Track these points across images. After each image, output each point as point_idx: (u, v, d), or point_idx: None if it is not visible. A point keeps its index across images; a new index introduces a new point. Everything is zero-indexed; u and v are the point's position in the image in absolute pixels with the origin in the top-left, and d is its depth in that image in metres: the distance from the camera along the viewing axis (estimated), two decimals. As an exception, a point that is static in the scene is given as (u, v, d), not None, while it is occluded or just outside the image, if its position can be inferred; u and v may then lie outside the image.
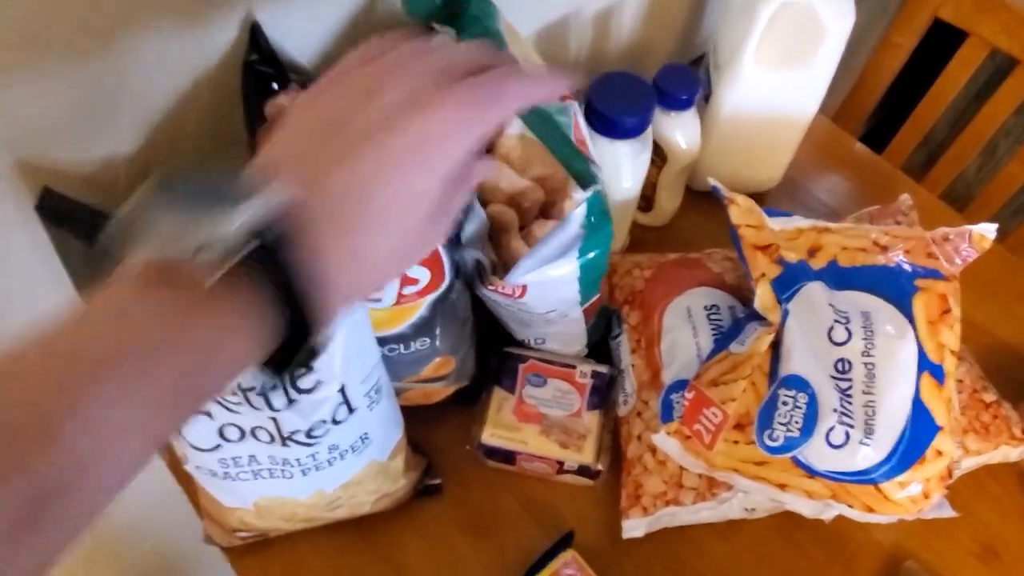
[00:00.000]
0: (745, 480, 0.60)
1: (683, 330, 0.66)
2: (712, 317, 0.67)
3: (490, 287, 0.58)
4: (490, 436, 0.63)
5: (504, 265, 0.55)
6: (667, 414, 0.63)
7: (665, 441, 0.61)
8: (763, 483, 0.60)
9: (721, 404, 0.59)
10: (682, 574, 0.64)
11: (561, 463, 0.63)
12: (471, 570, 0.63)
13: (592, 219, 0.51)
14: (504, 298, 0.59)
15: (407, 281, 0.52)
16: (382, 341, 0.56)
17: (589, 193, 0.49)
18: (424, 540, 0.64)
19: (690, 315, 0.67)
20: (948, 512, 0.62)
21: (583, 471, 0.64)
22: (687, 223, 0.84)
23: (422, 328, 0.57)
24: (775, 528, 0.66)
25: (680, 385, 0.63)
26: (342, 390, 0.49)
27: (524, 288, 0.58)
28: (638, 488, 0.63)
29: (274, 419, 0.48)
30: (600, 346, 0.71)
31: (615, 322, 0.71)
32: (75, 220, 0.41)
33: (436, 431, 0.69)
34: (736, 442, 0.59)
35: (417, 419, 0.68)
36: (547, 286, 0.58)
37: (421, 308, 0.55)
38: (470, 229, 0.56)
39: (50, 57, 0.40)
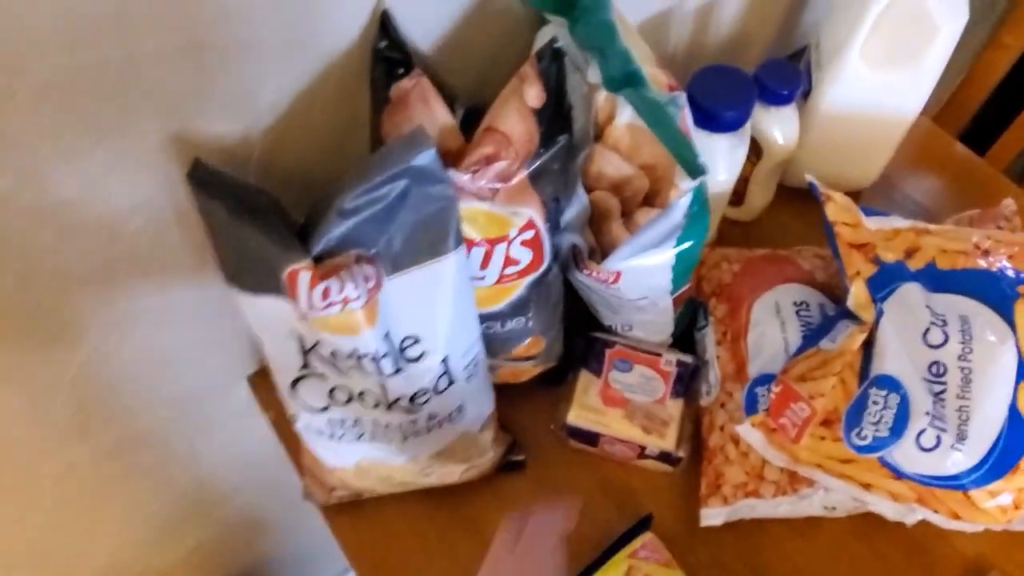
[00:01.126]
0: (829, 477, 0.61)
1: (771, 324, 0.66)
2: (801, 313, 0.67)
3: (585, 271, 0.60)
4: (576, 417, 0.65)
5: (602, 251, 0.57)
6: (752, 406, 0.64)
7: (750, 432, 0.61)
8: (847, 482, 0.60)
9: (809, 399, 0.59)
10: (756, 567, 0.65)
11: (643, 448, 0.65)
12: (550, 545, 0.65)
13: (694, 209, 0.52)
14: (598, 283, 0.61)
15: (509, 261, 0.55)
16: (481, 319, 0.59)
17: (696, 183, 0.50)
18: (505, 512, 0.66)
19: (779, 310, 0.67)
20: (1040, 525, 0.61)
21: (664, 457, 0.65)
22: (775, 221, 0.83)
23: (519, 308, 0.59)
24: (854, 529, 0.66)
25: (766, 379, 0.64)
26: (445, 361, 0.52)
27: (619, 274, 0.59)
28: (719, 477, 0.64)
29: (382, 385, 0.51)
30: (684, 336, 0.72)
31: (701, 314, 0.72)
32: (222, 189, 0.45)
33: (521, 410, 0.71)
34: (823, 438, 0.59)
35: (504, 397, 0.70)
36: (641, 273, 0.59)
37: (520, 288, 0.57)
38: (571, 213, 0.57)
39: (204, 45, 0.44)
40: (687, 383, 0.67)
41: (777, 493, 0.63)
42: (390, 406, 0.52)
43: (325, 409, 0.53)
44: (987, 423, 0.57)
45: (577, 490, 0.68)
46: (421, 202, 0.47)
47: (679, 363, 0.68)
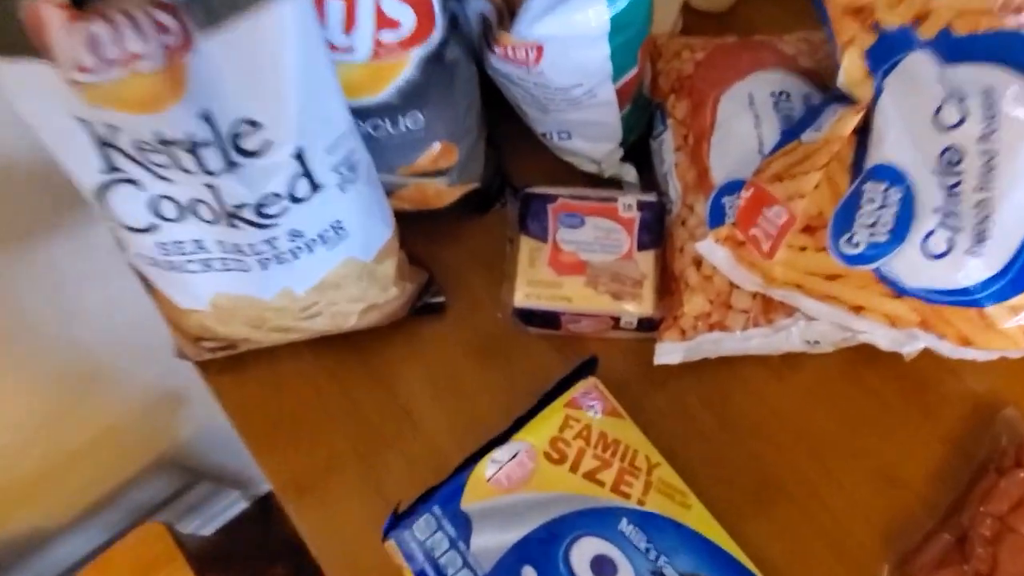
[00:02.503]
0: (810, 301, 0.49)
1: (742, 119, 0.53)
2: (781, 105, 0.53)
3: (498, 48, 0.46)
4: (525, 297, 0.52)
5: (511, 10, 0.43)
6: (717, 220, 0.51)
7: (712, 249, 0.49)
8: (834, 304, 0.49)
9: (787, 201, 0.47)
10: (725, 413, 0.54)
11: (616, 319, 0.53)
12: (475, 397, 0.54)
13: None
14: (517, 67, 0.47)
15: (384, 22, 0.40)
16: (363, 113, 0.46)
17: None
18: (422, 363, 0.55)
19: (752, 102, 0.54)
20: (1069, 349, 0.50)
21: (644, 325, 0.53)
22: (756, 10, 0.68)
23: (411, 96, 0.45)
24: (840, 367, 0.55)
25: (734, 186, 0.51)
26: (299, 156, 0.39)
27: (540, 50, 0.45)
28: (677, 308, 0.52)
29: (211, 187, 0.38)
30: (639, 148, 0.59)
31: (658, 116, 0.58)
32: None
33: (442, 245, 0.59)
34: (803, 248, 0.47)
35: (419, 228, 0.58)
36: (569, 46, 0.45)
37: (408, 66, 0.44)
38: (468, -38, 0.43)
39: None
40: (656, 229, 0.54)
41: (748, 324, 0.52)
42: (231, 217, 0.39)
43: (151, 229, 0.41)
44: (1014, 220, 0.45)
45: (510, 335, 0.56)
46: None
47: (641, 205, 0.54)
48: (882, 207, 0.45)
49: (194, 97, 0.35)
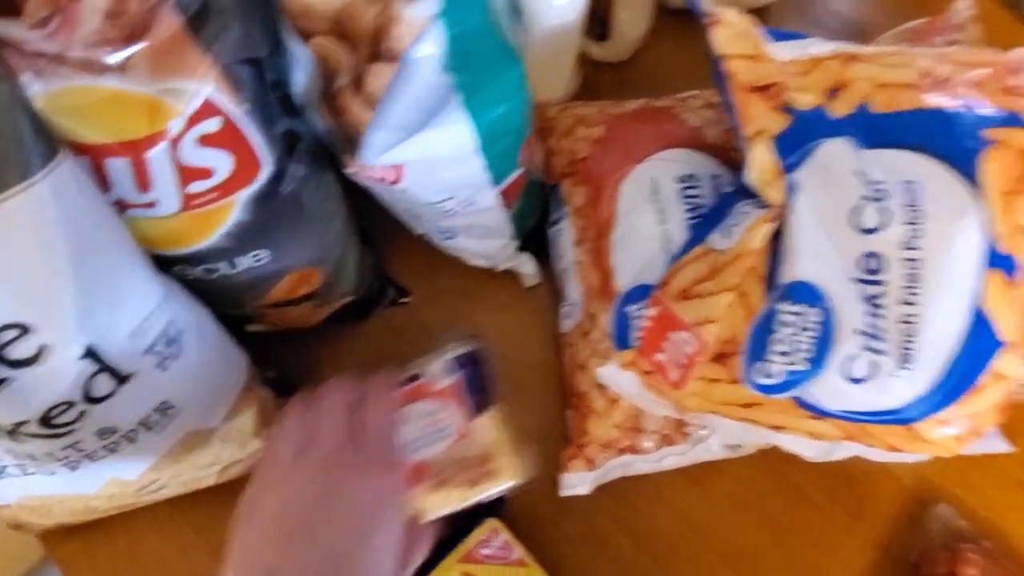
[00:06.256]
0: (728, 422, 0.44)
1: (645, 214, 0.47)
2: (687, 193, 0.48)
3: (350, 170, 0.39)
4: None
5: (349, 138, 0.35)
6: (622, 335, 0.45)
7: (616, 376, 0.44)
8: (753, 424, 0.44)
9: (695, 327, 0.41)
10: (640, 532, 0.49)
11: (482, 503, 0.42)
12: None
13: (467, 56, 0.30)
14: (377, 184, 0.40)
15: (189, 174, 0.33)
16: (188, 261, 0.38)
17: (433, 8, 0.28)
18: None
19: (656, 191, 0.47)
20: (1000, 446, 0.47)
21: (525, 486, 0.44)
22: (657, 59, 0.62)
23: (246, 237, 0.38)
24: (763, 467, 0.51)
25: (640, 293, 0.45)
26: (92, 353, 0.31)
27: (399, 170, 0.38)
28: (582, 435, 0.47)
29: (-26, 408, 0.30)
30: (536, 234, 0.53)
31: (554, 202, 0.52)
32: None
33: (321, 358, 0.52)
34: (716, 380, 0.41)
35: (297, 344, 0.51)
36: (433, 165, 0.38)
37: (234, 210, 0.36)
38: (300, 80, 0.35)
39: None
40: (483, 379, 0.43)
41: (661, 444, 0.47)
42: (11, 433, 0.32)
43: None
44: (940, 334, 0.40)
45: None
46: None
47: (458, 362, 0.43)
48: (800, 330, 0.40)
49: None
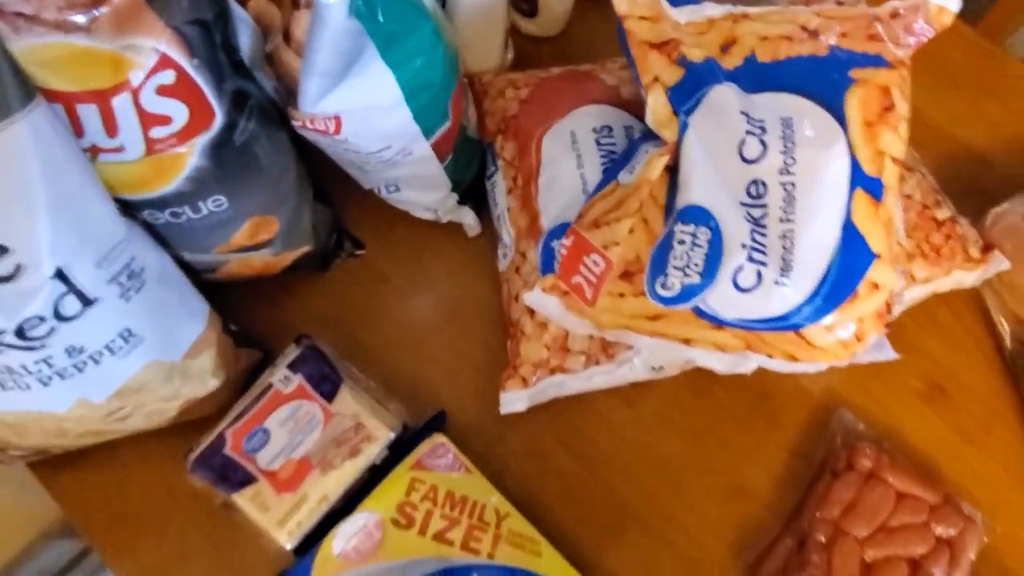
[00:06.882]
0: (641, 338, 0.50)
1: (565, 161, 0.53)
2: (603, 142, 0.54)
3: (295, 121, 0.45)
4: (291, 535, 0.47)
5: (291, 91, 0.41)
6: (547, 266, 0.52)
7: (541, 300, 0.50)
8: (663, 339, 0.50)
9: (603, 249, 0.47)
10: (578, 447, 0.55)
11: (374, 465, 0.50)
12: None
13: (372, 5, 0.36)
14: (320, 136, 0.46)
15: (151, 120, 0.39)
16: (156, 204, 0.44)
17: None
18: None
19: (575, 141, 0.54)
20: (888, 354, 0.52)
21: (406, 433, 0.51)
22: (587, 33, 0.68)
23: (206, 183, 0.43)
24: (689, 386, 0.57)
25: (562, 229, 0.51)
26: (61, 275, 0.37)
27: (337, 120, 0.44)
28: (516, 357, 0.52)
29: (-41, 317, 0.36)
30: (475, 188, 0.59)
31: (490, 159, 0.58)
32: None
33: (283, 308, 0.58)
34: (622, 295, 0.47)
35: (258, 293, 0.56)
36: (367, 115, 0.44)
37: (192, 156, 0.42)
38: (245, 42, 0.41)
39: None
40: (320, 363, 0.50)
41: (588, 363, 0.52)
42: (-8, 344, 0.37)
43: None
44: (816, 247, 0.47)
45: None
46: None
47: (296, 363, 0.50)
48: (693, 247, 0.46)
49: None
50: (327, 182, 0.56)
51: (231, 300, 0.52)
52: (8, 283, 0.35)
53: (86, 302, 0.38)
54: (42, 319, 0.37)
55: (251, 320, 0.55)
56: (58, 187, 0.35)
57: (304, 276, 0.57)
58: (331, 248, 0.57)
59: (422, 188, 0.54)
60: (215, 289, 0.51)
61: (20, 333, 0.37)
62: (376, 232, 0.60)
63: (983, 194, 0.61)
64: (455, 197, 0.57)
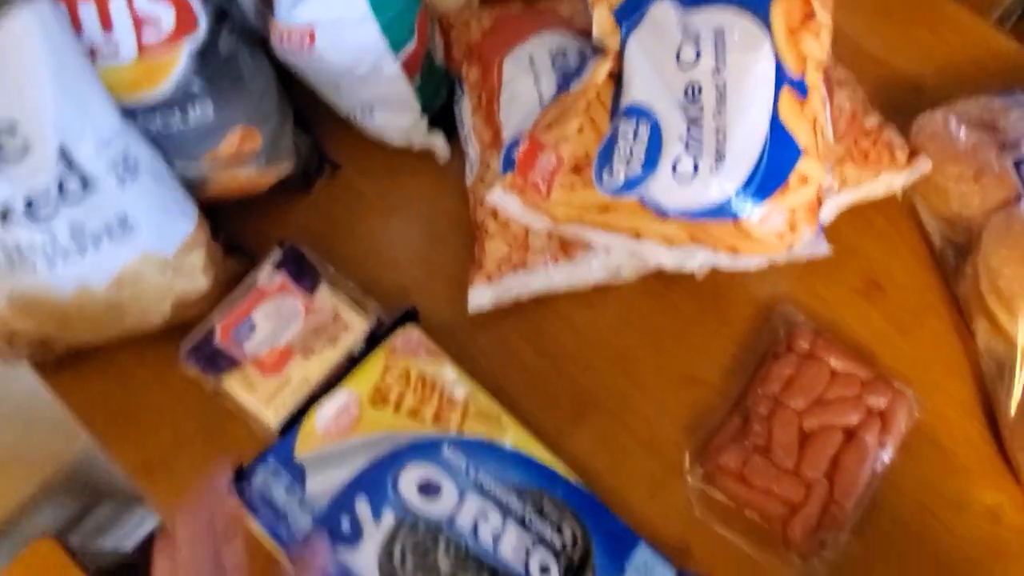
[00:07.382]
0: (594, 231, 0.55)
1: (524, 79, 0.58)
2: (558, 63, 0.59)
3: (273, 35, 0.50)
4: (278, 414, 0.52)
5: (268, 2, 0.46)
6: (508, 171, 0.56)
7: (502, 198, 0.55)
8: (613, 232, 0.55)
9: (555, 146, 0.52)
10: (543, 345, 0.60)
11: (353, 356, 0.54)
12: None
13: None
14: (296, 51, 0.51)
15: (142, 22, 0.44)
16: (149, 110, 0.48)
17: None
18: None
19: (532, 63, 0.59)
20: (823, 248, 0.57)
21: (380, 328, 0.55)
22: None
23: (192, 89, 0.49)
24: (646, 291, 0.61)
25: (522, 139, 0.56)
26: (63, 153, 0.42)
27: (312, 34, 0.49)
28: (482, 255, 0.57)
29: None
30: (445, 114, 0.64)
31: (457, 85, 0.63)
32: None
33: (270, 225, 0.62)
34: (573, 187, 0.52)
35: (245, 214, 0.61)
36: (339, 27, 0.49)
37: (180, 61, 0.47)
38: (227, -42, 0.46)
39: None
40: (301, 260, 0.55)
41: (548, 261, 0.57)
42: (4, 217, 0.42)
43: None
44: (747, 139, 0.52)
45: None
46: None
47: (282, 261, 0.55)
48: (635, 141, 0.51)
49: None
50: (308, 111, 0.62)
51: (220, 219, 0.57)
52: (18, 163, 0.40)
53: (86, 184, 0.43)
54: (48, 197, 0.42)
55: (238, 235, 0.60)
56: (62, 71, 0.40)
57: (288, 197, 0.62)
58: (312, 171, 0.62)
59: (394, 111, 0.59)
60: (205, 212, 0.55)
61: (29, 210, 0.42)
62: (353, 157, 0.65)
63: (915, 116, 0.66)
64: (424, 121, 0.62)
